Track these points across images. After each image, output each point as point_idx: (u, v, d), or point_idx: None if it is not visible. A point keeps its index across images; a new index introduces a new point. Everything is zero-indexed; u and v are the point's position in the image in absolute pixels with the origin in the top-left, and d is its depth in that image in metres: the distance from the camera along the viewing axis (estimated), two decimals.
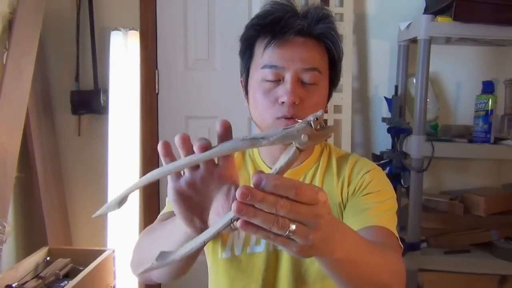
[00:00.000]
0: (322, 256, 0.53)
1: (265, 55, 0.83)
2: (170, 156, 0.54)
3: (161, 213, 0.89)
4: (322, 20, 0.84)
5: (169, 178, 0.56)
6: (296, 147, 0.48)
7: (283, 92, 0.81)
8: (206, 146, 0.51)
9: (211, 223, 0.57)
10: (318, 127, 0.48)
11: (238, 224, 0.45)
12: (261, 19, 0.85)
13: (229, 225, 0.52)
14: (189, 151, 0.53)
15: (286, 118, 0.82)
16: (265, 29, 0.84)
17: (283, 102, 0.81)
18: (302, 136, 0.47)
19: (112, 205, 0.55)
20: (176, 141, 0.53)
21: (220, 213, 0.56)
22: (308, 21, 0.83)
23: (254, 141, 0.49)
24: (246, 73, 0.89)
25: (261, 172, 0.45)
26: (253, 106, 0.87)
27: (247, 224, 0.45)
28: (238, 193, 0.44)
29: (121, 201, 0.55)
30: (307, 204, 0.45)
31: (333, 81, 0.89)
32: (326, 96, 0.88)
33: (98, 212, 0.56)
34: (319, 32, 0.84)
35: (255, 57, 0.86)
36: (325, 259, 0.55)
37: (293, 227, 0.45)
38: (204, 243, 0.52)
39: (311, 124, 0.47)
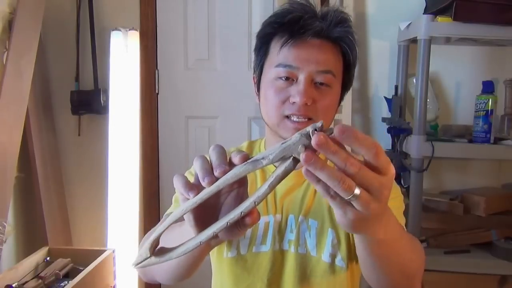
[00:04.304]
0: (367, 234, 0.52)
1: (281, 54, 0.83)
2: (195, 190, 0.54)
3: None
4: (341, 24, 0.83)
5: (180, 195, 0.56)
6: (294, 157, 0.48)
7: (295, 92, 0.81)
8: (212, 181, 0.51)
9: (220, 233, 0.57)
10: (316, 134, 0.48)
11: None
12: (280, 17, 0.84)
13: (226, 229, 0.53)
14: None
15: (296, 117, 0.82)
16: (283, 27, 0.84)
17: (294, 102, 0.81)
18: (299, 147, 0.46)
19: (145, 252, 0.56)
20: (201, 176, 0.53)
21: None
22: (327, 24, 0.83)
23: (255, 163, 0.50)
24: (259, 70, 0.89)
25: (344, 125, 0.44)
26: (263, 103, 0.87)
27: (309, 171, 0.44)
28: (314, 139, 0.42)
29: (152, 245, 0.56)
30: (378, 171, 0.44)
31: (346, 85, 0.90)
32: (338, 99, 0.88)
33: (135, 261, 0.57)
34: (337, 36, 0.84)
35: (270, 55, 0.86)
36: (368, 238, 0.54)
37: (357, 191, 0.44)
38: (200, 244, 0.53)
39: (309, 134, 0.46)
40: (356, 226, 0.48)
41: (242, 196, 0.56)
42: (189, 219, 0.56)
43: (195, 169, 0.54)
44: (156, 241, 0.56)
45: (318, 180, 0.44)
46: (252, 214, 0.52)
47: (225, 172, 0.51)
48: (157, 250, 0.55)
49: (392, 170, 0.45)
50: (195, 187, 0.52)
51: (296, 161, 0.48)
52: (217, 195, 0.57)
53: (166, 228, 0.55)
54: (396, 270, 0.63)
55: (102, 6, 2.01)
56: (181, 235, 0.67)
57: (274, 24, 0.85)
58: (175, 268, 0.69)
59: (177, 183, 0.53)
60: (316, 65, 0.82)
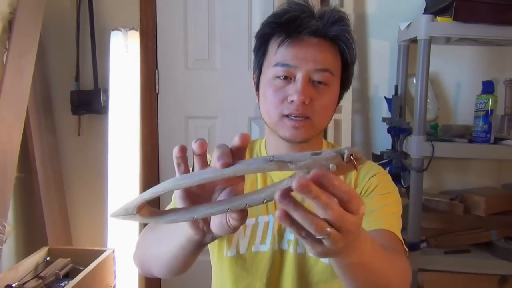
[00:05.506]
0: (338, 258, 0.54)
1: (279, 53, 0.84)
2: (183, 158, 0.53)
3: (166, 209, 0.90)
4: (338, 22, 0.84)
5: (177, 174, 0.54)
6: None
7: (293, 91, 0.81)
8: (228, 164, 0.50)
9: (213, 225, 0.57)
10: (350, 158, 0.46)
11: (277, 217, 0.45)
12: (277, 17, 0.85)
13: (226, 216, 0.52)
14: (205, 161, 0.53)
15: (294, 116, 0.82)
16: (280, 27, 0.84)
17: (292, 101, 0.82)
18: (331, 165, 0.46)
19: (132, 209, 0.54)
20: (194, 147, 0.52)
21: (222, 216, 0.55)
22: (324, 22, 0.83)
23: (281, 164, 0.47)
24: (258, 70, 0.90)
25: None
26: (262, 103, 0.88)
27: (286, 215, 0.45)
28: (295, 183, 0.43)
29: (141, 206, 0.54)
30: (351, 212, 0.46)
31: (345, 83, 0.90)
32: (336, 98, 0.88)
33: (116, 212, 0.55)
34: (334, 34, 0.84)
35: (269, 55, 0.87)
36: (340, 262, 0.56)
37: (329, 230, 0.45)
38: (193, 219, 0.52)
39: (342, 155, 0.46)
40: (324, 257, 0.50)
41: (236, 194, 0.56)
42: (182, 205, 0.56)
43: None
44: (145, 203, 0.54)
45: (292, 223, 0.45)
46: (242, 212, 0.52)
47: (227, 164, 0.49)
48: (145, 210, 0.54)
49: (363, 210, 0.47)
50: (185, 149, 0.52)
51: None
52: (210, 191, 0.56)
53: (158, 194, 0.53)
54: (374, 287, 0.64)
55: (102, 6, 2.01)
56: (170, 231, 0.67)
57: (272, 24, 0.86)
58: (169, 261, 0.70)
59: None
60: (314, 64, 0.82)
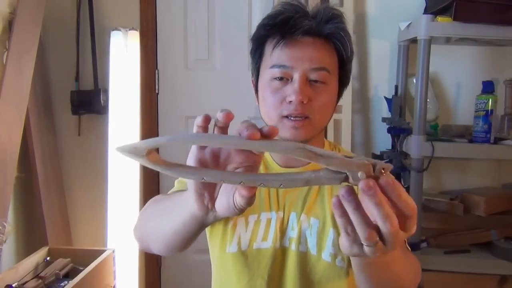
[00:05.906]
0: (361, 257, 0.53)
1: (274, 54, 0.84)
2: (205, 128, 0.52)
3: (170, 191, 0.90)
4: (331, 20, 0.84)
5: (193, 145, 0.53)
6: (347, 176, 0.46)
7: (291, 92, 0.82)
8: (256, 137, 0.46)
9: (218, 204, 0.55)
10: (381, 171, 0.46)
11: (332, 202, 0.45)
12: (271, 19, 0.85)
13: (233, 197, 0.50)
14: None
15: (293, 116, 0.82)
16: (275, 29, 0.84)
17: (290, 101, 0.82)
18: (359, 173, 0.45)
19: (142, 149, 0.50)
20: (219, 116, 0.50)
21: (229, 194, 0.53)
22: (317, 21, 0.83)
23: (311, 155, 0.45)
24: (256, 72, 0.90)
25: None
26: (262, 104, 0.88)
27: (340, 205, 0.45)
28: (363, 183, 0.43)
29: (152, 150, 0.51)
30: (403, 228, 0.46)
31: (343, 81, 0.90)
32: (335, 96, 0.89)
33: (124, 147, 0.51)
34: (328, 32, 0.84)
35: (265, 57, 0.87)
36: (362, 260, 0.56)
37: (377, 240, 0.45)
38: (203, 180, 0.50)
39: (373, 166, 0.45)
40: (355, 256, 0.50)
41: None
42: (191, 182, 0.54)
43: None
44: (157, 148, 0.51)
45: (343, 215, 0.45)
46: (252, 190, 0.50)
47: (254, 137, 0.46)
48: (154, 156, 0.51)
49: (414, 229, 0.47)
50: (209, 119, 0.50)
51: (345, 179, 0.47)
52: (222, 167, 0.54)
53: (174, 142, 0.49)
54: (389, 286, 0.65)
55: (102, 6, 2.01)
56: (173, 205, 0.67)
57: (266, 26, 0.86)
58: (169, 237, 0.69)
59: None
60: (310, 63, 0.82)
